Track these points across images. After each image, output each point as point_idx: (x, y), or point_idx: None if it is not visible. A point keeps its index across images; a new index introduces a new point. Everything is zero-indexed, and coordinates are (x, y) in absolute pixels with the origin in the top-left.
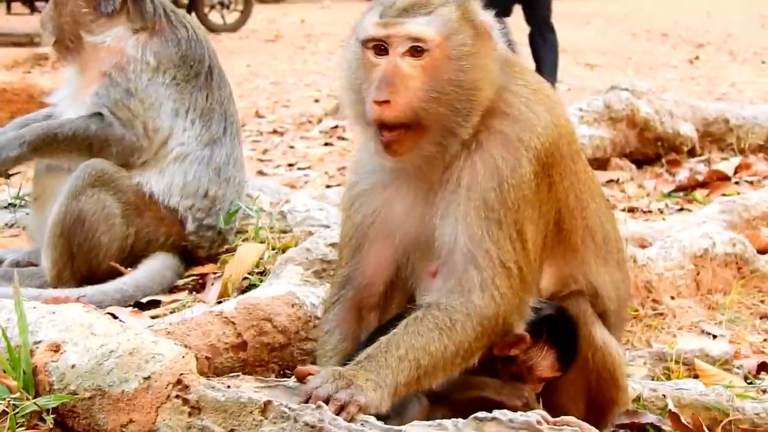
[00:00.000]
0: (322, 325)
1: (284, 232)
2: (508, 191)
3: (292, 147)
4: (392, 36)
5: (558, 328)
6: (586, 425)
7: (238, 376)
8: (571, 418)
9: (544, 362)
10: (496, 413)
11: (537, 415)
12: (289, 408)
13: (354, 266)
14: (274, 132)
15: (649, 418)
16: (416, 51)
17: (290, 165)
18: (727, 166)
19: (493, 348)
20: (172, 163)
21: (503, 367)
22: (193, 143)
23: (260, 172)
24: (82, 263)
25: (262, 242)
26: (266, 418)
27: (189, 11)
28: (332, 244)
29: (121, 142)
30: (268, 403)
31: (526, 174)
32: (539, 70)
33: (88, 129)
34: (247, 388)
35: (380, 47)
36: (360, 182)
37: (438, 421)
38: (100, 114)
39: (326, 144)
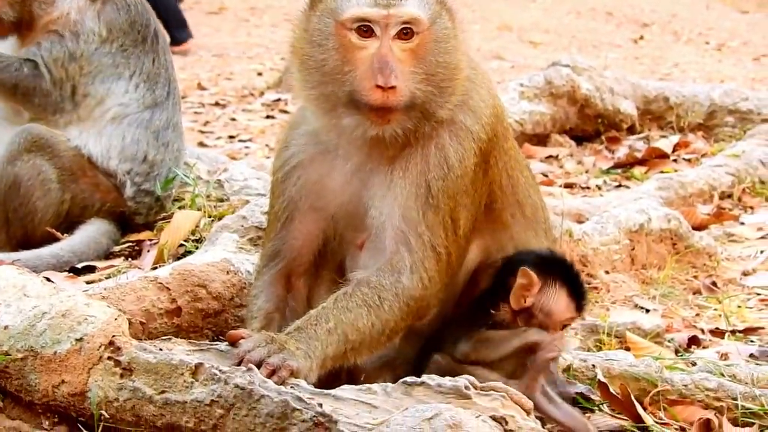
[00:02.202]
0: (250, 291)
1: (221, 200)
2: (452, 181)
3: (233, 119)
4: (391, 17)
5: (558, 264)
6: (512, 390)
7: (171, 339)
8: (499, 384)
9: (560, 303)
10: (424, 378)
11: (465, 380)
12: (220, 370)
13: (283, 239)
14: (216, 104)
15: (579, 387)
16: (404, 34)
17: (231, 137)
18: (666, 144)
19: (511, 302)
20: (110, 123)
21: (526, 323)
22: (133, 105)
23: (201, 144)
24: (17, 228)
25: (198, 210)
26: (197, 380)
27: None
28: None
29: (45, 98)
30: (199, 365)
31: (470, 165)
32: None
33: (20, 71)
34: (179, 351)
35: (364, 29)
36: (298, 153)
37: (367, 385)
38: (35, 63)
39: (268, 117)
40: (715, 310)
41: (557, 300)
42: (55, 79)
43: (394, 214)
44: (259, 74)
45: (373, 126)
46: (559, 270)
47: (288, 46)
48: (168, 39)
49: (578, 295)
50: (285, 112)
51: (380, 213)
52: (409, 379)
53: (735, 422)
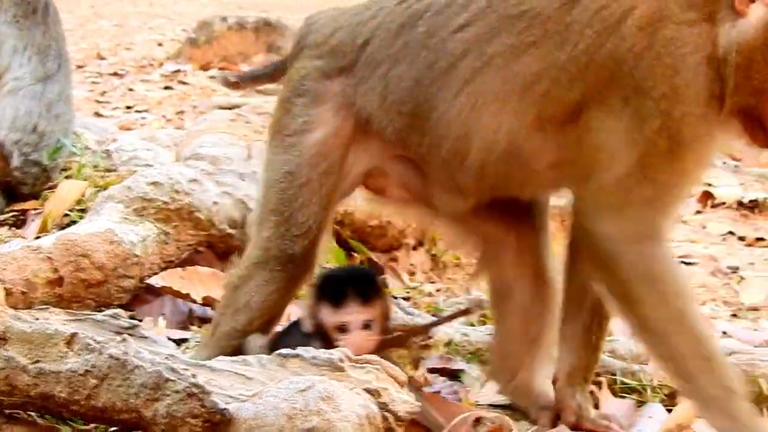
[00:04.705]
0: None
1: (109, 170)
2: None
3: (131, 89)
4: None
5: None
6: (386, 363)
7: (48, 308)
8: (374, 357)
9: (325, 314)
10: (299, 350)
11: (340, 353)
12: (95, 340)
13: None
14: (115, 74)
15: (459, 364)
16: None
17: (128, 107)
18: None
19: None
20: (6, 96)
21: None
22: (27, 78)
23: (97, 114)
24: None
25: (85, 180)
26: (72, 350)
27: None
28: (153, 183)
29: None
30: (73, 335)
31: None
32: None
33: None
34: (56, 320)
35: None
36: None
37: (242, 357)
38: None
39: (166, 87)
40: None
41: (323, 313)
42: None
43: None
44: (160, 45)
45: None
46: (322, 283)
47: None
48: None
49: (336, 298)
50: (184, 83)
51: None
52: (284, 351)
53: (614, 396)
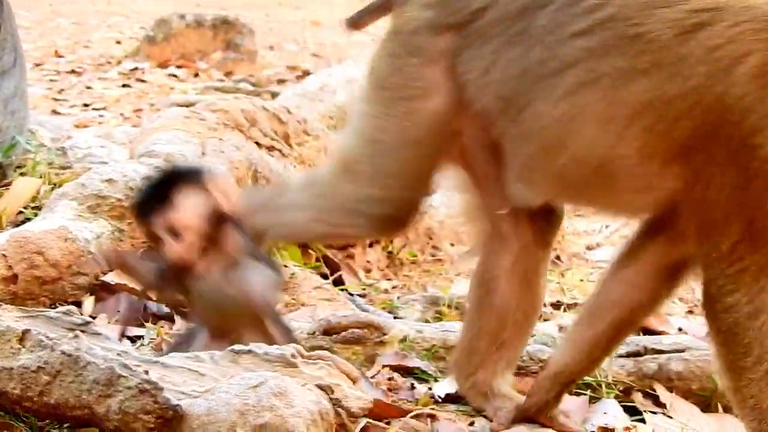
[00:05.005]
0: None
1: (64, 168)
2: None
3: (89, 87)
4: None
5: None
6: (338, 359)
7: (0, 305)
8: (325, 353)
9: None
10: (251, 346)
11: (292, 348)
12: (47, 337)
13: None
14: (72, 72)
15: (416, 362)
16: None
17: (86, 105)
18: None
19: None
20: None
21: None
22: None
23: (54, 112)
24: None
25: (40, 177)
26: (24, 347)
27: None
28: (107, 180)
29: None
30: (26, 331)
31: None
32: None
33: None
34: (8, 317)
35: None
36: None
37: (195, 353)
38: None
39: (124, 86)
40: (558, 283)
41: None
42: None
43: None
44: (118, 42)
45: None
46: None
47: None
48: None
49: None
50: (142, 81)
51: None
52: (236, 347)
53: (569, 392)
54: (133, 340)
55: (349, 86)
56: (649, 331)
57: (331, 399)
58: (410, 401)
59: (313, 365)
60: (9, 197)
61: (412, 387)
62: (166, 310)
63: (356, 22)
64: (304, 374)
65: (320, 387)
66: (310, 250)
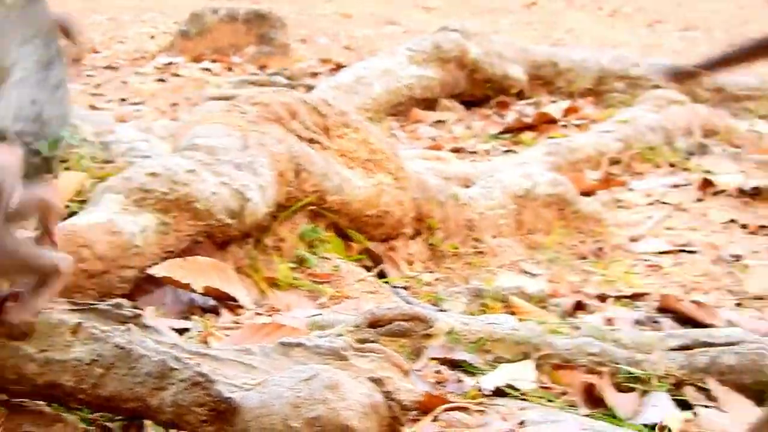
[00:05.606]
0: None
1: (107, 162)
2: None
3: (125, 82)
4: None
5: None
6: (389, 351)
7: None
8: (376, 345)
9: None
10: (302, 339)
11: (343, 341)
12: (100, 329)
13: None
14: (108, 67)
15: (463, 355)
16: None
17: (122, 100)
18: (556, 109)
19: None
20: (13, 87)
21: None
22: (34, 65)
23: (92, 106)
24: None
25: (84, 171)
26: (77, 339)
27: None
28: (151, 174)
29: None
30: (79, 324)
31: None
32: None
33: None
34: (60, 310)
35: None
36: None
37: (246, 345)
38: None
39: (159, 80)
40: (602, 275)
41: None
42: None
43: None
44: (152, 37)
45: None
46: None
47: None
48: None
49: None
50: (177, 75)
51: None
52: (286, 339)
53: (618, 387)
54: (180, 332)
55: (384, 78)
56: (697, 324)
57: (382, 392)
58: (458, 394)
59: (364, 358)
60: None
61: (460, 380)
62: (212, 302)
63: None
64: (356, 367)
65: (372, 379)
66: (352, 243)
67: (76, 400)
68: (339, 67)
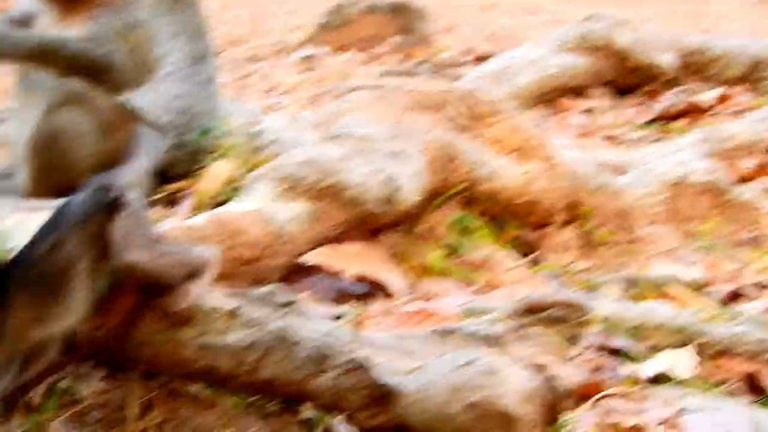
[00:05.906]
0: None
1: (257, 151)
2: None
3: (268, 74)
4: None
5: None
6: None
7: None
8: (535, 331)
9: None
10: (460, 324)
11: (501, 327)
12: (256, 316)
13: None
14: (251, 59)
15: (620, 342)
16: None
17: (266, 91)
18: (708, 97)
19: None
20: (162, 80)
21: None
22: (184, 60)
23: (236, 98)
24: (58, 178)
25: (234, 161)
26: (234, 325)
27: None
28: (302, 162)
29: (120, 71)
30: (235, 309)
31: None
32: None
33: (93, 50)
34: (214, 296)
35: None
36: None
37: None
38: (99, 39)
39: (302, 71)
40: (760, 264)
41: None
42: (122, 52)
43: None
44: (294, 30)
45: None
46: None
47: None
48: None
49: None
50: (319, 66)
51: None
52: (442, 326)
53: None
54: (333, 319)
55: (531, 67)
56: None
57: (542, 377)
58: (615, 381)
59: (522, 344)
60: (206, 180)
61: (616, 367)
62: (364, 289)
63: None
64: (513, 353)
65: (531, 365)
66: (503, 231)
67: (232, 384)
68: (483, 56)
